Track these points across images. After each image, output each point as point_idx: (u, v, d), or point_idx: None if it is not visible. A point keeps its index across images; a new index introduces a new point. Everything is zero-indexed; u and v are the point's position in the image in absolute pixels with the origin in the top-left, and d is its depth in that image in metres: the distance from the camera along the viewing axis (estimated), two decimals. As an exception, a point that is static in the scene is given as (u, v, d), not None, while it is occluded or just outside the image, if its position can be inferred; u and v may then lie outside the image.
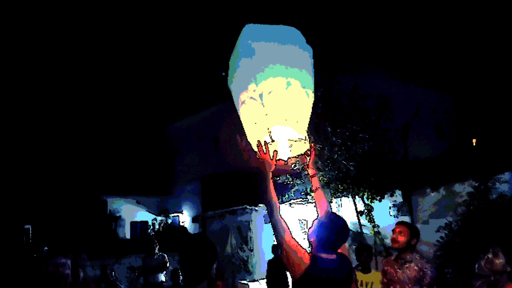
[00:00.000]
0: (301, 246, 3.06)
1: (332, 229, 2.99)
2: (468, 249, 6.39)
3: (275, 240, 3.13)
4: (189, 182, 21.66)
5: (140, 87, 23.33)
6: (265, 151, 3.24)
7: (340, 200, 9.59)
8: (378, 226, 9.20)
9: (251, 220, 13.96)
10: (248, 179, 14.99)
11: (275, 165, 3.30)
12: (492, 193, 7.03)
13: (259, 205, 13.18)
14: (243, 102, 3.42)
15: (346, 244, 3.27)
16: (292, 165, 9.54)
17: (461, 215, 6.94)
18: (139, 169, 22.94)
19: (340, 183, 9.19)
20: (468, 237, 6.59)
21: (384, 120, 9.53)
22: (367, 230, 9.49)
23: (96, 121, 22.41)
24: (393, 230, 4.16)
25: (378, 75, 11.45)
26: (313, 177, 3.65)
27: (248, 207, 13.58)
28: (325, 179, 9.19)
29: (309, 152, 3.64)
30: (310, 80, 3.54)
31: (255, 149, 3.49)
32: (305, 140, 3.49)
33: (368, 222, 9.27)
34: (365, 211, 9.20)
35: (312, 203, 10.60)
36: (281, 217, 3.14)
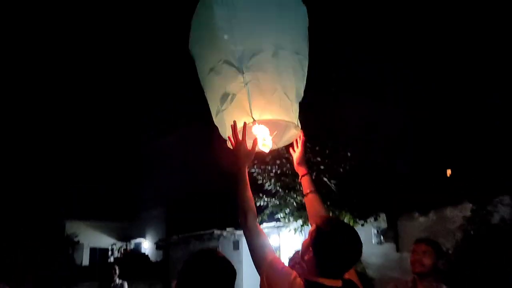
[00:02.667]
0: (290, 268, 2.13)
1: (339, 243, 2.05)
2: (468, 280, 5.57)
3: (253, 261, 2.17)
4: (154, 207, 20.95)
5: (105, 112, 22.43)
6: (241, 137, 2.31)
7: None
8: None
9: (218, 246, 12.96)
10: (215, 202, 14.17)
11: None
12: (494, 217, 6.27)
13: (227, 229, 12.19)
14: (211, 69, 2.50)
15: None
16: (267, 184, 8.74)
17: (461, 241, 6.12)
18: (102, 193, 22.12)
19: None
20: (467, 267, 5.77)
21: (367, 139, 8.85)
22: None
23: (60, 139, 21.45)
24: (413, 250, 3.30)
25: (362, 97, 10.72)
26: (304, 176, 2.73)
27: (215, 231, 12.61)
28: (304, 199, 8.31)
29: (299, 142, 2.74)
30: (304, 46, 2.68)
31: (223, 135, 2.57)
32: (296, 124, 2.58)
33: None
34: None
35: (285, 227, 9.80)
36: (260, 229, 2.20)
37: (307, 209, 2.69)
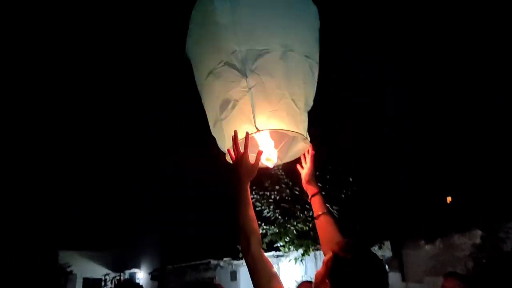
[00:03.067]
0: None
1: (362, 274, 1.73)
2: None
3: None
4: (149, 236, 20.47)
5: (99, 133, 22.20)
6: (242, 149, 2.01)
7: (319, 253, 8.37)
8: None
9: (215, 277, 12.52)
10: (212, 231, 13.82)
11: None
12: (506, 244, 5.96)
13: (224, 259, 11.79)
14: (210, 72, 2.21)
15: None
16: (265, 211, 8.43)
17: (473, 269, 5.79)
18: (96, 221, 21.90)
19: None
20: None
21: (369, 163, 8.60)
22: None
23: (54, 166, 21.16)
24: (442, 286, 3.01)
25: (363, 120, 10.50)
26: (314, 196, 2.41)
27: (212, 261, 12.19)
28: (305, 227, 8.03)
29: (307, 157, 2.43)
30: (315, 50, 2.39)
31: (222, 148, 2.27)
32: (304, 137, 2.28)
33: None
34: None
35: (285, 256, 9.42)
36: (265, 256, 1.88)
37: (319, 233, 2.37)
